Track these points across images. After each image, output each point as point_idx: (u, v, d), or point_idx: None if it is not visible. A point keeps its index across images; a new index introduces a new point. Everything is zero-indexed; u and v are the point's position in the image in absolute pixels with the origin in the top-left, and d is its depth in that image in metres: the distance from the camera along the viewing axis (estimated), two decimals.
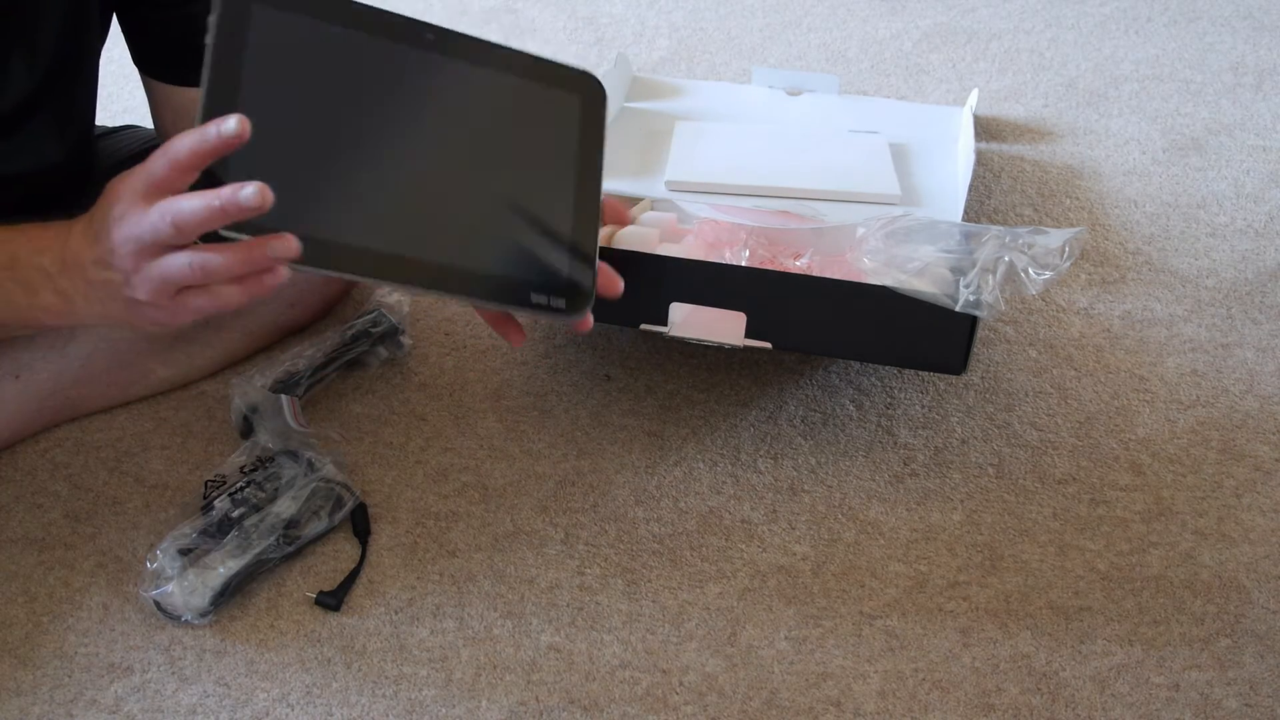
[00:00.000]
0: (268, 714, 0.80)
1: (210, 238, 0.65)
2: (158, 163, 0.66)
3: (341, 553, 0.91)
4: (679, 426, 1.03)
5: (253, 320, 1.06)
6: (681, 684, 0.82)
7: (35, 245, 0.73)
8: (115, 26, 1.00)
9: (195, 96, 1.01)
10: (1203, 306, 1.17)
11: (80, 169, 1.04)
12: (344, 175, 0.70)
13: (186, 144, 0.64)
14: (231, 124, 0.63)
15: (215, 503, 0.90)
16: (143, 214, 0.66)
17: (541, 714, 0.80)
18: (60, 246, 0.72)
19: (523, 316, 0.77)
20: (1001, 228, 0.91)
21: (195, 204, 0.64)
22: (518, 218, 0.75)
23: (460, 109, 0.75)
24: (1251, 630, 0.86)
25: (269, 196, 0.63)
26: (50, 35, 0.92)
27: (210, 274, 0.66)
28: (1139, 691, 0.82)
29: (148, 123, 1.08)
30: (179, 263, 0.66)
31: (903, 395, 1.06)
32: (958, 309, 0.88)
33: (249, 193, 0.62)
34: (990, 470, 0.99)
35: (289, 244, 0.65)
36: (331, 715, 0.80)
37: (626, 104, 1.43)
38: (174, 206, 0.64)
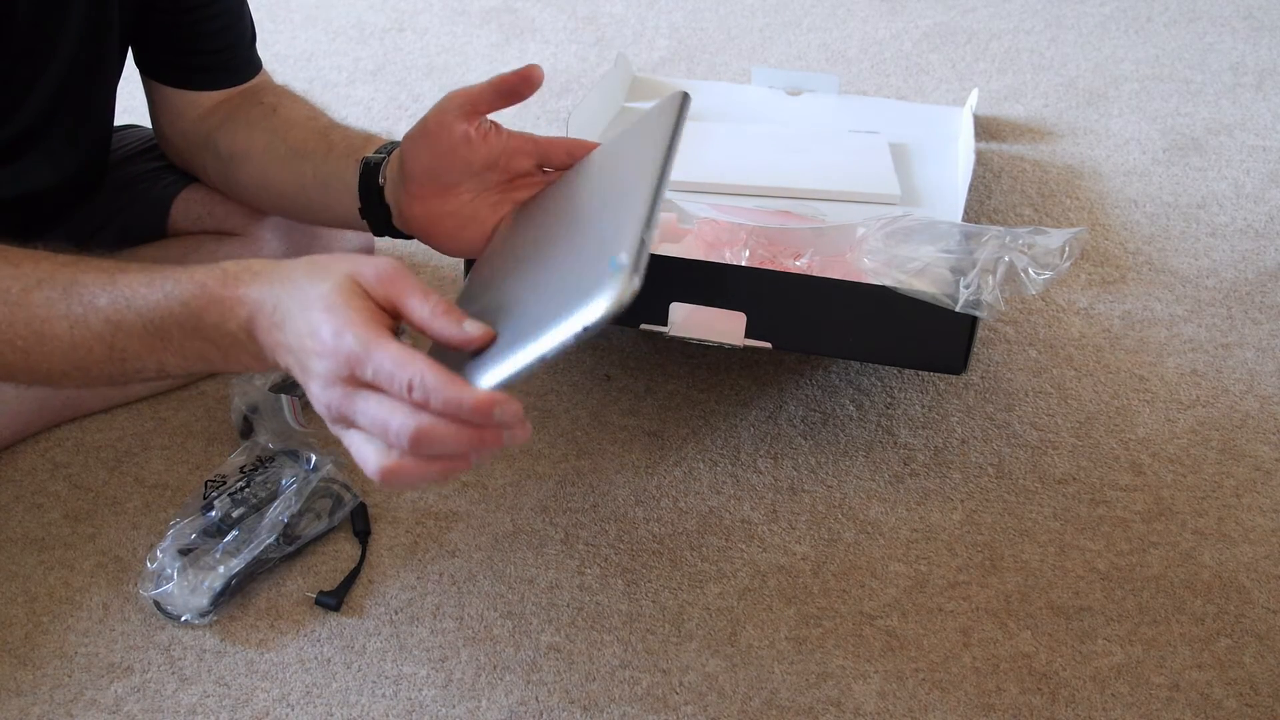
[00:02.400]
0: (268, 714, 0.80)
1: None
2: (418, 310, 0.63)
3: (341, 553, 0.91)
4: (679, 426, 1.03)
5: None
6: (681, 684, 0.82)
7: (219, 309, 0.68)
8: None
9: (194, 99, 1.03)
10: (1203, 306, 1.17)
11: (94, 177, 1.05)
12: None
13: (470, 398, 0.59)
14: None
15: (215, 503, 0.90)
16: (374, 345, 0.61)
17: (541, 714, 0.80)
18: (244, 311, 0.67)
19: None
20: (1001, 228, 0.91)
21: (443, 394, 0.59)
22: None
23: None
24: (1251, 630, 0.86)
25: (522, 430, 0.61)
26: (65, 61, 0.92)
27: (420, 447, 0.60)
28: (1139, 691, 0.82)
29: (148, 122, 1.08)
30: (395, 422, 0.60)
31: (903, 395, 1.06)
32: (958, 309, 0.88)
33: (510, 412, 0.59)
34: (990, 470, 0.99)
35: (523, 422, 0.61)
36: (331, 715, 0.80)
37: (626, 104, 1.43)
38: (421, 376, 0.59)
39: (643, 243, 0.62)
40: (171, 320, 0.69)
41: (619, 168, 0.78)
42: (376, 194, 0.89)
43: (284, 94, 1.03)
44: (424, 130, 0.82)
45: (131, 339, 0.70)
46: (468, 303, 0.77)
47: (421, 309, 0.64)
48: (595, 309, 0.58)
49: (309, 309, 0.63)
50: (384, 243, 1.23)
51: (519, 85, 0.79)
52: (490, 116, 0.82)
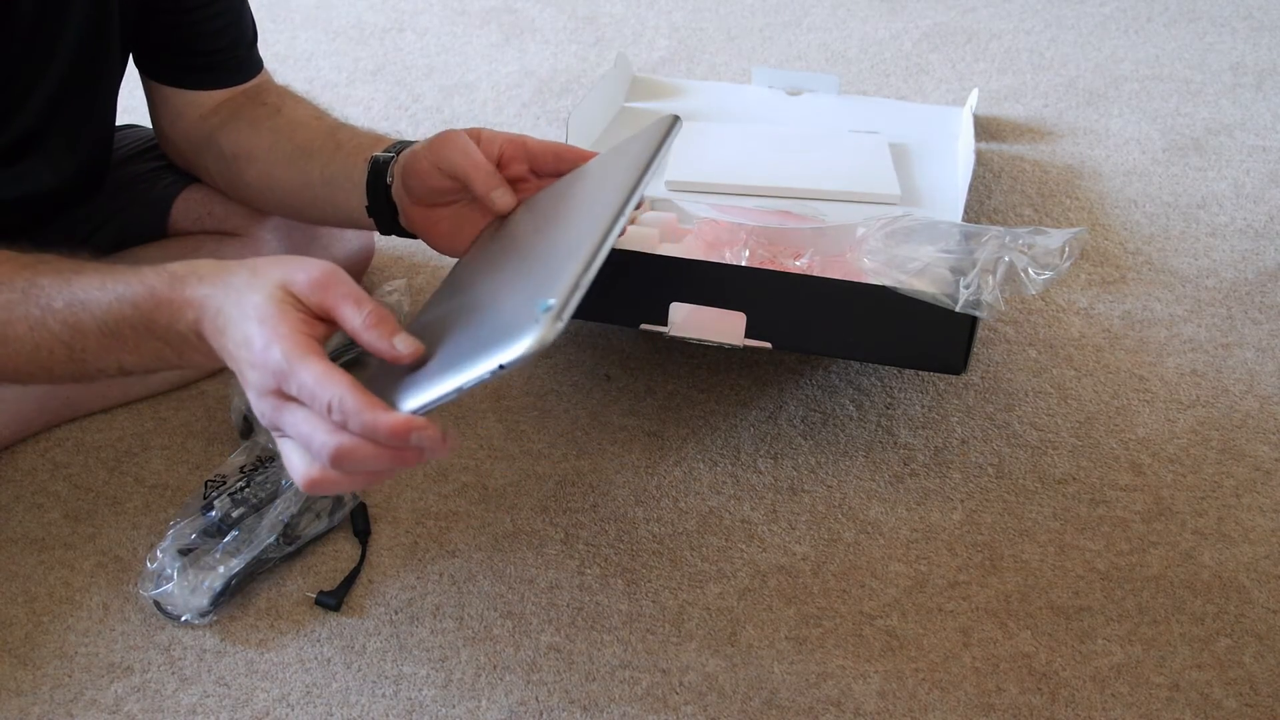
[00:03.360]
0: (268, 714, 0.80)
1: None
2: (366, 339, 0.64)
3: (341, 553, 0.91)
4: (679, 426, 1.03)
5: None
6: (681, 684, 0.82)
7: (168, 311, 0.69)
8: None
9: (195, 99, 1.03)
10: (1203, 306, 1.17)
11: (95, 177, 1.05)
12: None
13: (385, 424, 0.61)
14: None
15: (215, 503, 0.90)
16: (298, 363, 0.62)
17: (541, 714, 0.80)
18: (191, 314, 0.68)
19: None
20: (1001, 228, 0.91)
21: (360, 419, 0.61)
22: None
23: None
24: (1251, 630, 0.86)
25: (442, 450, 0.62)
26: (66, 63, 0.92)
27: (342, 464, 0.62)
28: (1139, 691, 0.82)
29: (148, 123, 1.08)
30: (316, 439, 0.62)
31: (903, 395, 1.06)
32: (958, 309, 0.88)
33: (427, 438, 0.61)
34: (990, 470, 0.99)
35: (442, 444, 0.62)
36: (331, 715, 0.80)
37: (626, 104, 1.43)
38: (340, 400, 0.61)
39: (575, 287, 0.63)
40: (124, 322, 0.70)
41: (588, 193, 0.79)
42: (384, 192, 0.90)
43: (287, 95, 1.03)
44: (414, 169, 0.85)
45: (88, 340, 0.72)
46: (430, 308, 0.79)
47: (354, 318, 0.65)
48: (514, 350, 0.60)
49: (246, 319, 0.65)
50: (384, 243, 1.23)
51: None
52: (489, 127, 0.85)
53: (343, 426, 0.61)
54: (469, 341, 0.65)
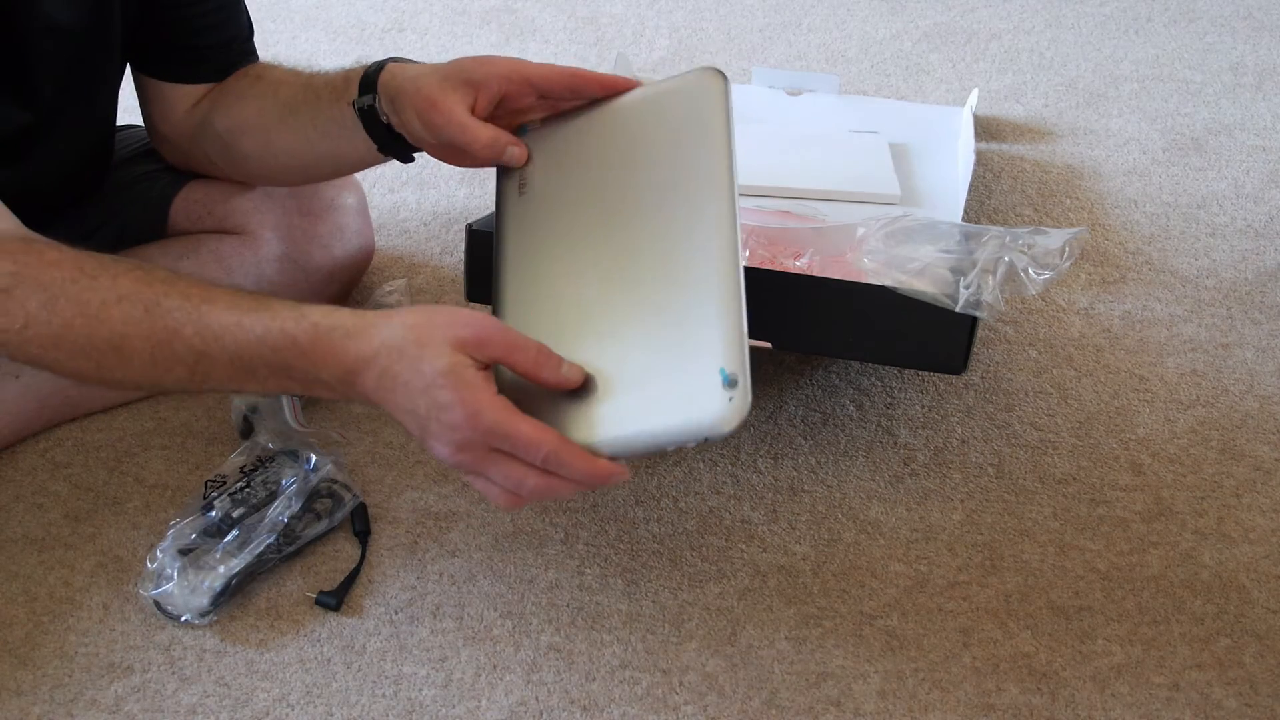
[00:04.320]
0: (268, 714, 0.80)
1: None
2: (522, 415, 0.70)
3: (341, 553, 0.91)
4: None
5: None
6: (681, 684, 0.82)
7: (309, 362, 0.72)
8: None
9: (189, 92, 1.02)
10: (1203, 306, 1.17)
11: (97, 174, 1.05)
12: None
13: (601, 472, 0.71)
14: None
15: (215, 503, 0.90)
16: (511, 426, 0.69)
17: (541, 714, 0.80)
18: (340, 368, 0.72)
19: None
20: (1001, 228, 0.91)
21: (578, 470, 0.70)
22: None
23: None
24: (1251, 630, 0.86)
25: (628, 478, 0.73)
26: (66, 60, 0.92)
27: (543, 498, 0.73)
28: (1139, 691, 0.82)
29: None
30: (528, 484, 0.70)
31: (903, 395, 1.06)
32: (958, 309, 0.88)
33: (621, 480, 0.72)
34: (990, 470, 0.99)
35: (624, 475, 0.71)
36: (331, 715, 0.80)
37: None
38: (556, 453, 0.69)
39: (747, 359, 0.69)
40: (260, 361, 0.73)
41: (680, 168, 0.79)
42: (385, 131, 0.89)
43: (267, 64, 1.03)
44: (424, 108, 0.83)
45: (215, 368, 0.74)
46: (524, 285, 0.81)
47: (524, 363, 0.72)
48: (719, 428, 0.67)
49: (435, 389, 0.69)
50: (384, 243, 1.23)
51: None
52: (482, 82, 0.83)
53: (554, 473, 0.70)
54: (644, 396, 0.72)
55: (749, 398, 0.68)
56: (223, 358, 0.74)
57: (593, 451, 0.70)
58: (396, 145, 0.90)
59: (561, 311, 0.78)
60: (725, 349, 0.69)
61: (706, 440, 0.69)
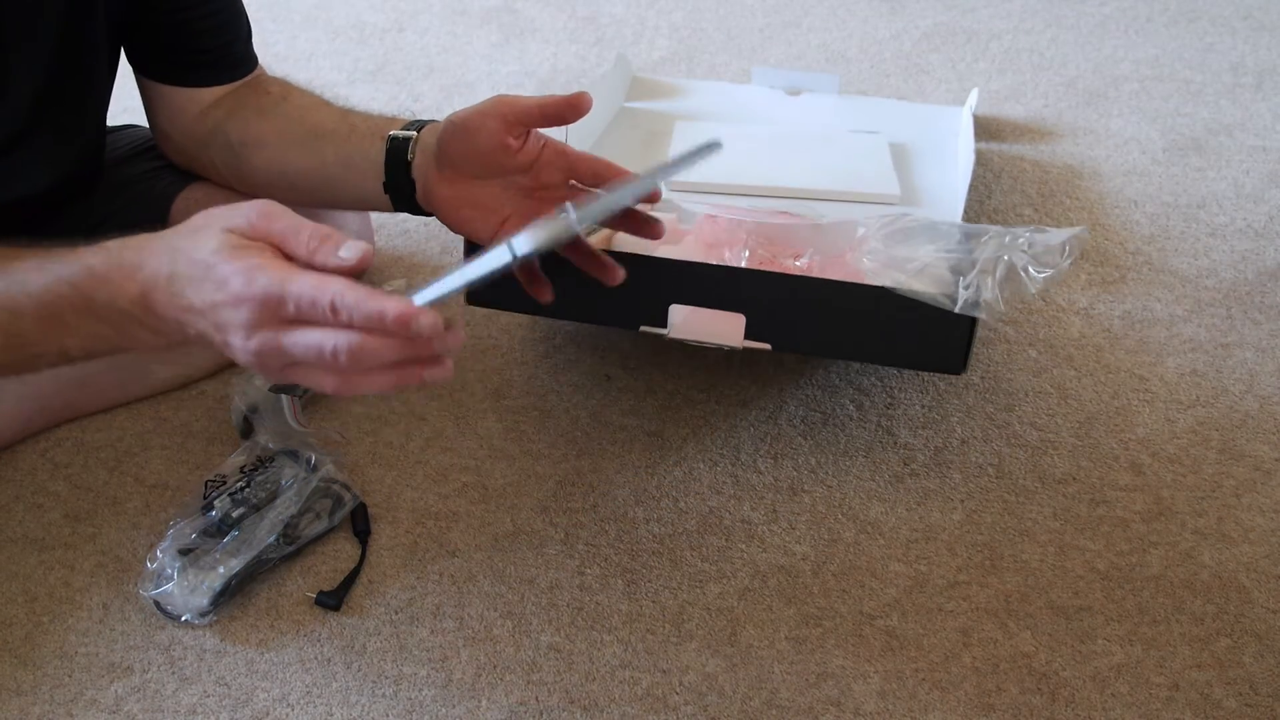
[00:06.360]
0: (268, 714, 0.80)
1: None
2: (303, 245, 0.65)
3: (341, 553, 0.91)
4: (679, 426, 1.03)
5: None
6: (681, 684, 0.82)
7: (108, 288, 0.69)
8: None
9: (194, 95, 1.02)
10: (1203, 306, 1.17)
11: (88, 177, 1.05)
12: None
13: (390, 310, 0.62)
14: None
15: (215, 503, 0.90)
16: (288, 279, 0.63)
17: (541, 714, 0.80)
18: (135, 288, 0.68)
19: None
20: (1001, 228, 0.91)
21: (364, 309, 0.62)
22: None
23: None
24: (1251, 630, 0.86)
25: (447, 339, 0.63)
26: (43, 66, 0.91)
27: (359, 362, 0.63)
28: (1139, 691, 0.82)
29: (145, 122, 1.08)
30: (328, 343, 0.62)
31: (903, 395, 1.06)
32: (957, 310, 0.87)
33: (427, 323, 0.61)
34: (990, 470, 0.99)
35: (439, 326, 0.63)
36: (331, 715, 0.80)
37: (626, 104, 1.43)
38: (341, 295, 0.62)
39: (599, 201, 0.66)
40: (63, 302, 0.70)
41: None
42: (404, 169, 0.91)
43: (288, 84, 1.04)
44: (465, 126, 0.85)
45: (26, 322, 0.71)
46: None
47: (299, 245, 0.66)
48: (527, 239, 0.62)
49: (210, 267, 0.64)
50: (384, 243, 1.23)
51: (566, 111, 0.83)
52: None
53: (349, 325, 0.62)
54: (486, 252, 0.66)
55: (573, 217, 0.65)
56: (30, 308, 0.71)
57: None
58: (402, 186, 0.92)
59: None
60: (581, 206, 0.66)
61: (513, 255, 0.63)
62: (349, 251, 0.65)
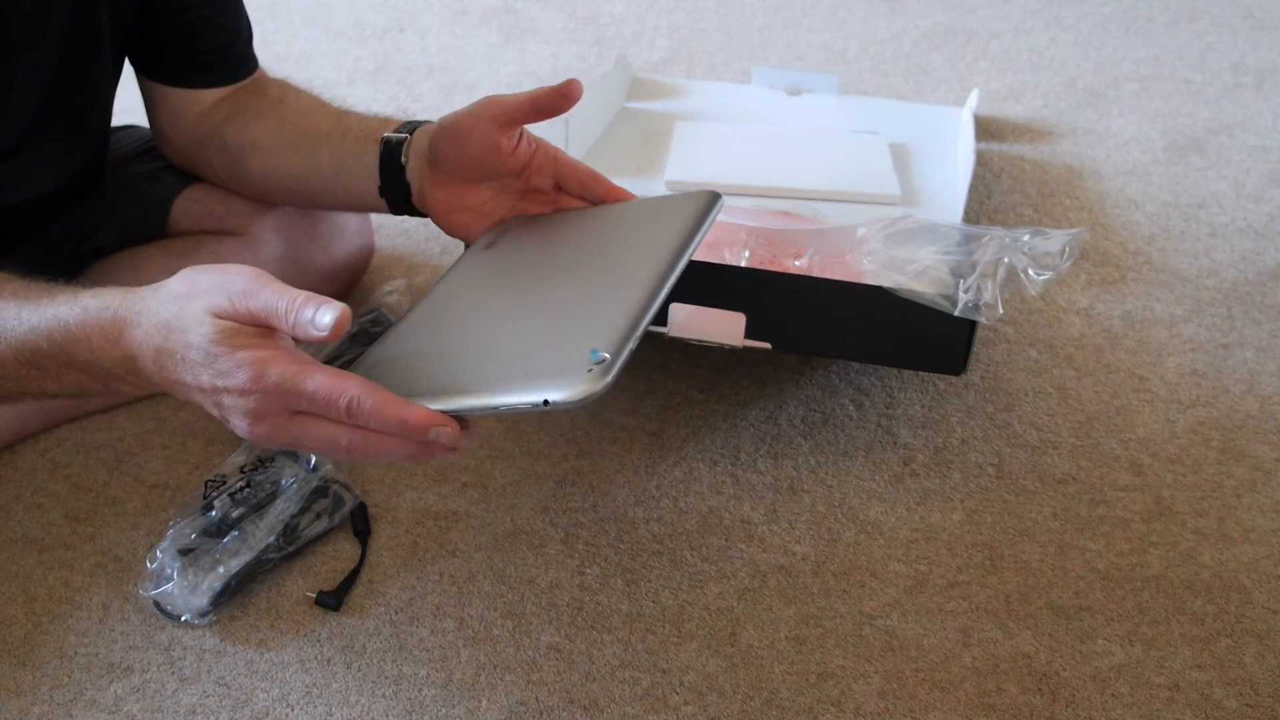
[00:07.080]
0: (268, 714, 0.80)
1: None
2: (304, 374, 0.64)
3: (341, 553, 0.91)
4: (679, 426, 1.03)
5: None
6: (681, 684, 0.82)
7: (87, 347, 0.69)
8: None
9: (195, 97, 1.03)
10: (1203, 306, 1.17)
11: (91, 179, 1.05)
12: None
13: (411, 420, 0.63)
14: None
15: (215, 503, 0.90)
16: (302, 378, 0.63)
17: (541, 714, 0.80)
18: (118, 351, 0.68)
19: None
20: (1002, 229, 0.91)
21: (383, 418, 0.63)
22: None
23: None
24: (1251, 630, 0.86)
25: (460, 441, 0.64)
26: (49, 68, 0.91)
27: (371, 457, 0.65)
28: (1139, 691, 0.82)
29: (146, 122, 1.08)
30: (341, 441, 0.64)
31: (903, 395, 1.06)
32: (957, 313, 0.88)
33: (446, 434, 0.63)
34: (990, 470, 0.99)
35: (458, 436, 0.64)
36: (331, 715, 0.80)
37: (626, 104, 1.43)
38: (358, 401, 0.63)
39: (627, 349, 0.65)
40: (41, 355, 0.71)
41: (632, 245, 0.79)
42: (398, 172, 0.91)
43: (286, 86, 1.04)
44: (456, 129, 0.85)
45: (5, 368, 0.72)
46: (442, 302, 0.80)
47: (281, 320, 0.65)
48: (561, 393, 0.62)
49: (214, 358, 0.64)
50: (384, 243, 1.23)
51: (557, 101, 0.83)
52: None
53: (364, 426, 0.64)
54: (511, 365, 0.67)
55: (610, 378, 0.63)
56: (8, 354, 0.71)
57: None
58: (397, 189, 0.92)
59: (473, 319, 0.76)
60: (607, 336, 0.65)
61: (546, 404, 0.62)
62: (326, 318, 0.64)
